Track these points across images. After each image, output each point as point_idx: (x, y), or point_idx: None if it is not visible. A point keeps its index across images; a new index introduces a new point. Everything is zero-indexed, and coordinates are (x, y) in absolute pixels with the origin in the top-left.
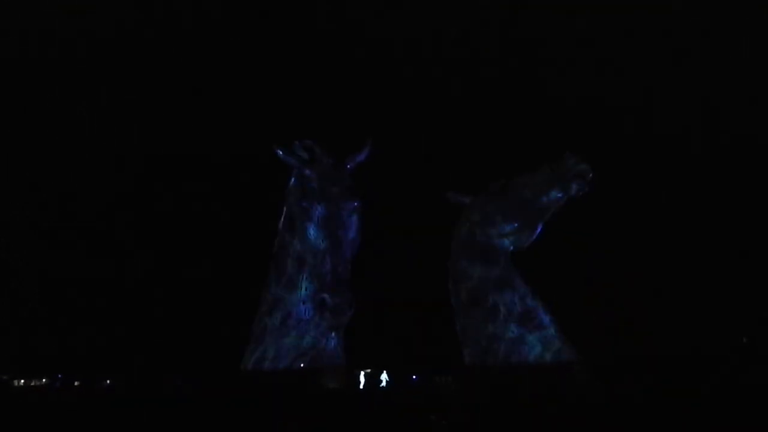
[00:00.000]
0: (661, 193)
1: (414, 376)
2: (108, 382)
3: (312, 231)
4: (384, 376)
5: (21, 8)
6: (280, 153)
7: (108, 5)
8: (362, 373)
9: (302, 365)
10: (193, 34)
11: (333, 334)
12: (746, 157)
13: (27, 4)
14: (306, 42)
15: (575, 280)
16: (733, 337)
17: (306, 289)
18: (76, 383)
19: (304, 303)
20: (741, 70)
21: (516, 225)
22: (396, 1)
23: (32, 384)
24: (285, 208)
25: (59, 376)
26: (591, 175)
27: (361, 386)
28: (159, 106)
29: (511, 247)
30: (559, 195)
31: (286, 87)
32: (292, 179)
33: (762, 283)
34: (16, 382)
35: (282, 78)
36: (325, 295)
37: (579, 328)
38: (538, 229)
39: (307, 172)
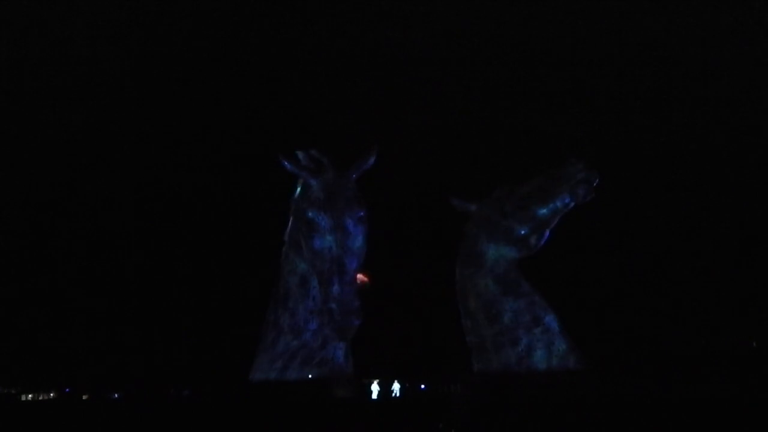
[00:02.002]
0: (668, 196)
1: (422, 385)
2: (115, 395)
3: (318, 241)
4: (396, 386)
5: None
6: (285, 163)
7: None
8: (375, 382)
9: (310, 376)
10: (197, 38)
11: (341, 344)
12: (752, 158)
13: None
14: (311, 50)
15: (582, 286)
16: (740, 339)
17: (313, 299)
18: (83, 396)
19: (311, 313)
20: (742, 69)
21: (523, 232)
22: (399, 5)
23: (39, 398)
24: (290, 219)
25: (66, 389)
26: (598, 180)
27: (371, 396)
28: (160, 111)
29: (519, 254)
30: (567, 200)
31: (291, 95)
32: (298, 189)
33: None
34: (23, 396)
35: (287, 86)
36: (333, 305)
37: (586, 334)
38: (546, 236)
39: (313, 182)
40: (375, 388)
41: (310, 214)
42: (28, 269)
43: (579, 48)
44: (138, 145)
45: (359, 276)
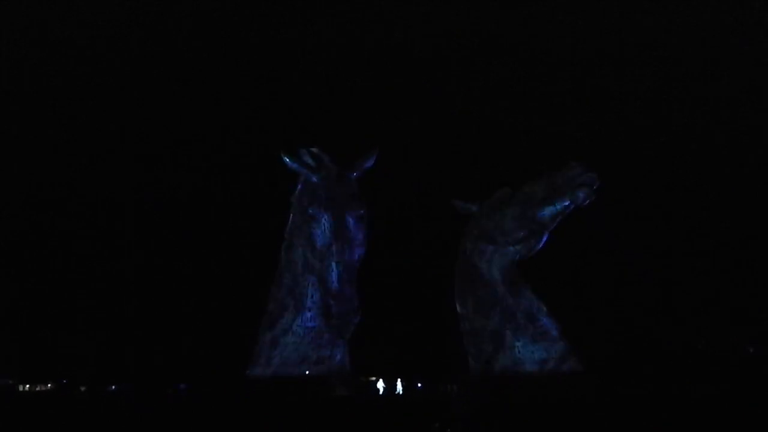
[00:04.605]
0: (668, 197)
1: (418, 384)
2: (113, 387)
3: (318, 238)
4: (398, 384)
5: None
6: (287, 160)
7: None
8: (380, 381)
9: (307, 372)
10: (199, 39)
11: (338, 341)
12: (752, 158)
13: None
14: (312, 50)
15: (581, 288)
16: (736, 342)
17: (312, 296)
18: (81, 388)
19: (309, 310)
20: (742, 69)
21: (523, 233)
22: (401, 8)
23: (37, 389)
24: (291, 216)
25: (64, 381)
26: (597, 183)
27: (370, 393)
28: (160, 111)
29: (518, 256)
30: (566, 203)
31: (293, 94)
32: (299, 186)
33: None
34: (21, 387)
35: (288, 85)
36: (331, 302)
37: (584, 335)
38: (545, 238)
39: (314, 179)
40: (381, 385)
41: (310, 211)
42: (29, 265)
43: (579, 48)
44: (138, 145)
45: None
